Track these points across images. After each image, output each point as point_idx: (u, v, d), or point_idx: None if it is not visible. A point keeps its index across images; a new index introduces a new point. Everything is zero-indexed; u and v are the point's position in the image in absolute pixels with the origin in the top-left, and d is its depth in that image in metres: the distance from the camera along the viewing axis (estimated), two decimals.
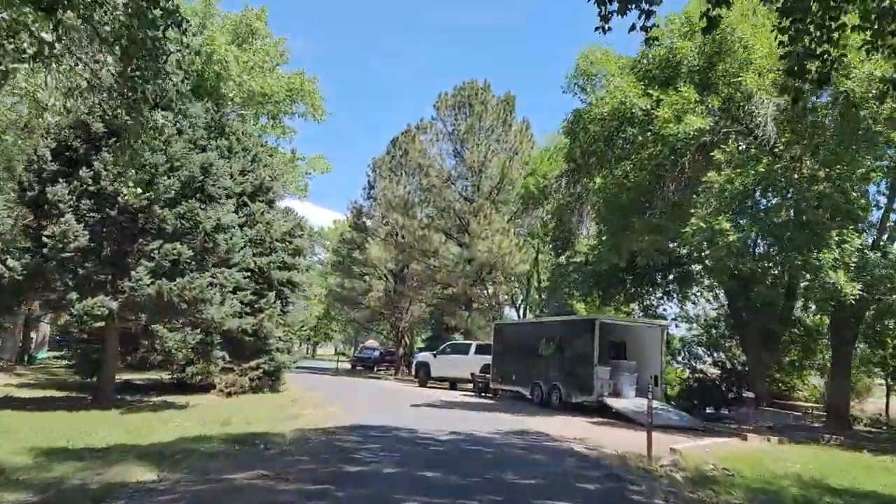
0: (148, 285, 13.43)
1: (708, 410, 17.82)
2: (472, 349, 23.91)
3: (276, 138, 25.89)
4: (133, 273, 13.31)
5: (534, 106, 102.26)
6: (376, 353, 45.15)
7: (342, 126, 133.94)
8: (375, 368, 43.58)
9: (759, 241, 14.69)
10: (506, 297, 43.72)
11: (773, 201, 14.11)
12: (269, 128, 25.71)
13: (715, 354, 25.98)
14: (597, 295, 22.25)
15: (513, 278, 32.99)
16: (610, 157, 15.96)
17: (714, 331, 26.19)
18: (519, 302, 43.05)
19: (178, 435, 10.66)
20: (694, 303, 26.69)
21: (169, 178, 13.84)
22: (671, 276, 23.40)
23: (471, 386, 23.33)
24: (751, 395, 15.18)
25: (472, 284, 31.68)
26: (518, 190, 26.52)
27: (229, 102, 21.81)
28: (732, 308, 23.23)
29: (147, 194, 13.64)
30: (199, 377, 18.35)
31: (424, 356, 26.71)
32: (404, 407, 15.75)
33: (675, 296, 25.70)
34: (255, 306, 19.56)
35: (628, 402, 15.68)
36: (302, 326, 21.80)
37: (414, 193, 34.98)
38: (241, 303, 19.02)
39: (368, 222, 41.84)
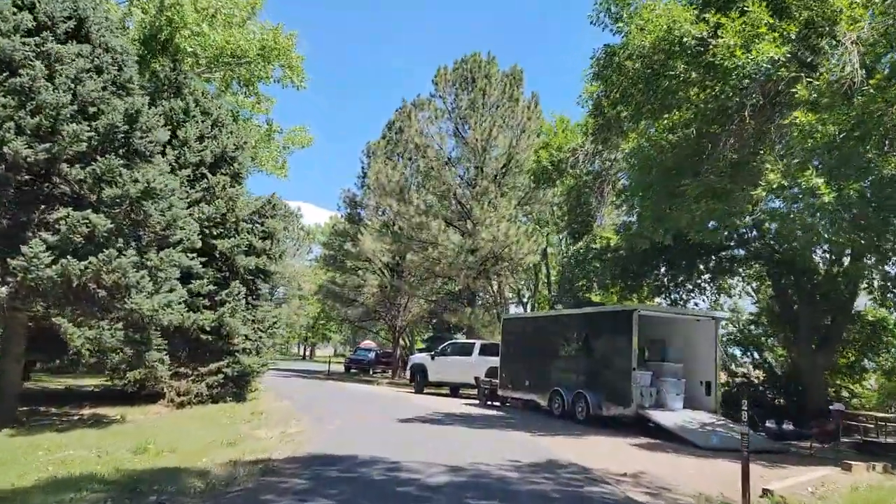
0: (47, 265, 10.11)
1: (768, 424, 14.47)
2: (476, 349, 20.56)
3: (249, 111, 22.51)
4: (25, 249, 9.98)
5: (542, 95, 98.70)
6: (372, 355, 41.81)
7: (342, 123, 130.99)
8: (371, 371, 40.29)
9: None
10: (512, 292, 40.41)
11: (870, 154, 10.70)
12: (244, 99, 22.38)
13: (755, 355, 22.62)
14: (624, 285, 18.91)
15: (521, 270, 29.59)
16: (650, 103, 12.54)
17: (753, 328, 22.82)
18: (526, 298, 39.70)
19: (50, 473, 7.35)
20: (730, 296, 23.36)
21: (78, 124, 10.52)
22: (707, 265, 20.07)
23: (474, 392, 20.00)
24: (839, 406, 11.83)
25: (475, 277, 28.30)
26: (529, 167, 23.12)
27: (189, 60, 18.48)
28: (780, 300, 19.88)
29: (47, 145, 10.37)
30: (142, 384, 15.02)
31: (420, 358, 23.34)
32: (391, 422, 12.41)
33: (708, 288, 22.40)
34: (216, 298, 16.27)
35: (675, 415, 12.32)
36: (275, 323, 18.28)
37: (411, 177, 31.67)
38: (198, 294, 15.80)
39: (362, 213, 38.63)
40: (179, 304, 13.96)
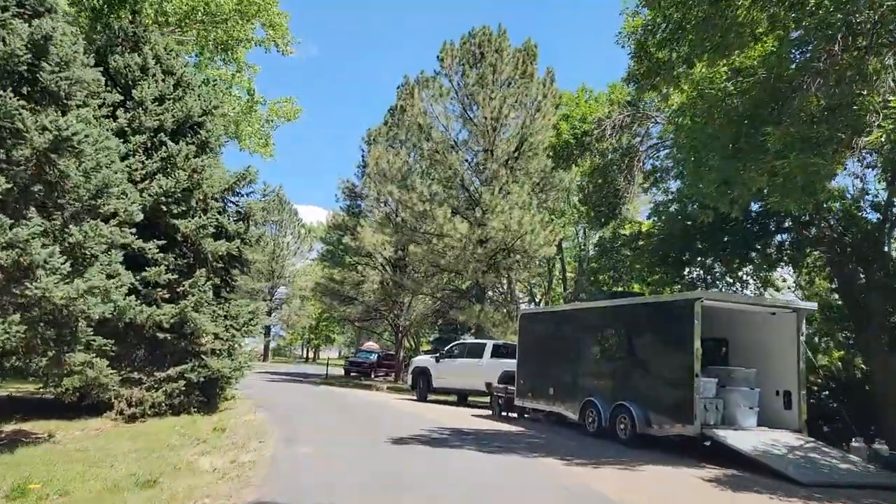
0: None
1: (854, 443, 11.62)
2: (488, 351, 17.78)
3: (229, 81, 19.81)
4: None
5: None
6: (373, 357, 39.08)
7: (348, 122, 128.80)
8: (373, 374, 37.55)
9: None
10: (523, 290, 37.68)
11: None
12: (224, 70, 19.71)
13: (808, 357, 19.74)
14: (663, 275, 16.11)
15: (535, 263, 26.77)
16: (713, 37, 9.74)
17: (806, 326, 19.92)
18: (539, 296, 36.95)
19: None
20: (777, 289, 20.48)
21: None
22: (762, 251, 17.21)
23: (486, 400, 17.24)
24: None
25: (484, 271, 25.52)
26: (546, 146, 20.31)
27: (152, 11, 15.85)
28: (844, 293, 17.02)
29: None
30: (82, 392, 12.31)
31: (423, 361, 20.52)
32: (381, 444, 9.65)
33: (752, 281, 19.57)
34: (178, 290, 13.58)
35: (751, 436, 9.51)
36: (251, 319, 15.51)
37: (414, 163, 28.98)
38: (154, 284, 13.15)
39: (362, 204, 36.01)
40: (128, 295, 11.38)
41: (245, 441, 9.81)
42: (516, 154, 26.37)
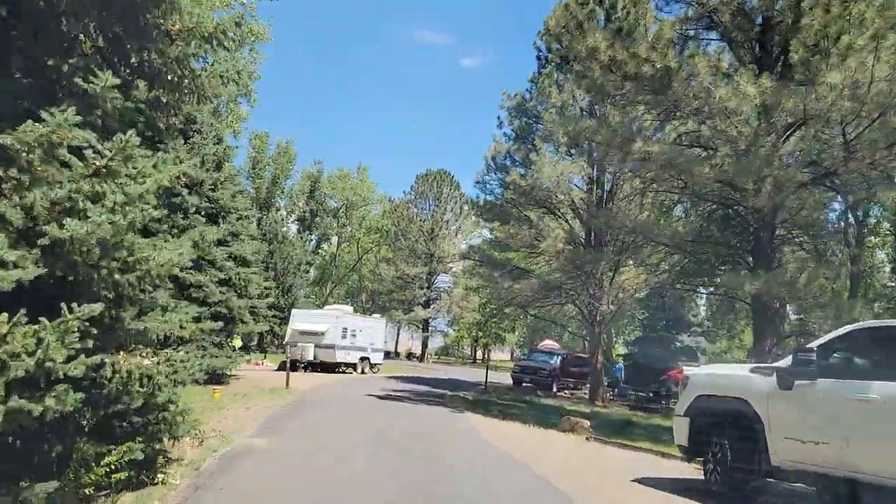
0: None
1: None
2: None
3: None
4: None
5: None
6: (555, 361, 26.50)
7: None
8: (554, 387, 25.15)
9: None
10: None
11: None
12: None
13: None
14: None
15: None
16: None
17: None
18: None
19: None
20: None
21: None
22: None
23: None
24: None
25: (799, 187, 11.94)
26: None
27: None
28: None
29: None
30: None
31: (735, 383, 6.41)
32: None
33: None
34: None
35: None
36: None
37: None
38: None
39: (538, 127, 23.64)
40: None
41: None
42: None
